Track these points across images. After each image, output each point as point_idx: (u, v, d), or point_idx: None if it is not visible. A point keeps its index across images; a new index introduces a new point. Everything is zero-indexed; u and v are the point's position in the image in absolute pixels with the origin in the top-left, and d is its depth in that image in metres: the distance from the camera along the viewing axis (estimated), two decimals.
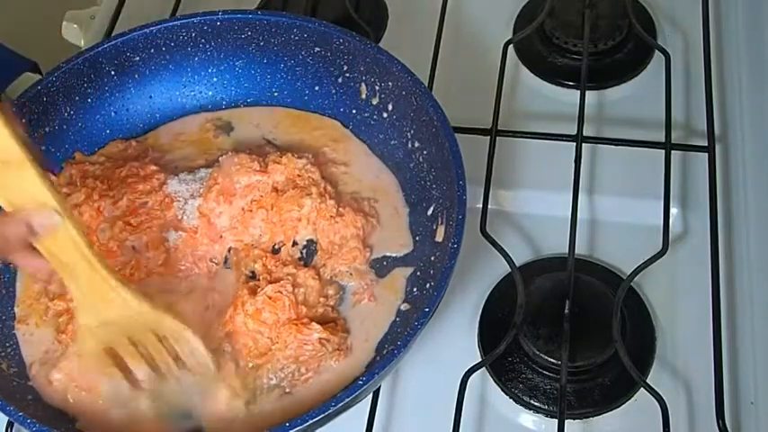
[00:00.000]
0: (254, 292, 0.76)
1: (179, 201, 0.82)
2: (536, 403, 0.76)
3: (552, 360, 0.76)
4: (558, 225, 0.82)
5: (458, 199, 0.73)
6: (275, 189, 0.81)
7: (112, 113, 0.89)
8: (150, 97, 0.90)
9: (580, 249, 0.82)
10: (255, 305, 0.75)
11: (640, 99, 0.93)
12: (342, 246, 0.80)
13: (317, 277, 0.78)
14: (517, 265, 0.79)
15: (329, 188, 0.82)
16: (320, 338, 0.74)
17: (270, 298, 0.75)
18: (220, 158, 0.83)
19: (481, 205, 0.83)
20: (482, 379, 0.78)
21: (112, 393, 0.73)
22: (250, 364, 0.74)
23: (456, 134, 0.77)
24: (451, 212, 0.74)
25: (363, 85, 0.86)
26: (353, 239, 0.79)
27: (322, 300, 0.77)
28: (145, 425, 0.73)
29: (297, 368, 0.74)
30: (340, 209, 0.80)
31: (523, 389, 0.77)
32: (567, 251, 0.79)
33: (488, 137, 0.87)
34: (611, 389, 0.76)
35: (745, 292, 0.80)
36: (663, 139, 0.85)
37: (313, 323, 0.74)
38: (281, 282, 0.76)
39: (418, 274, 0.78)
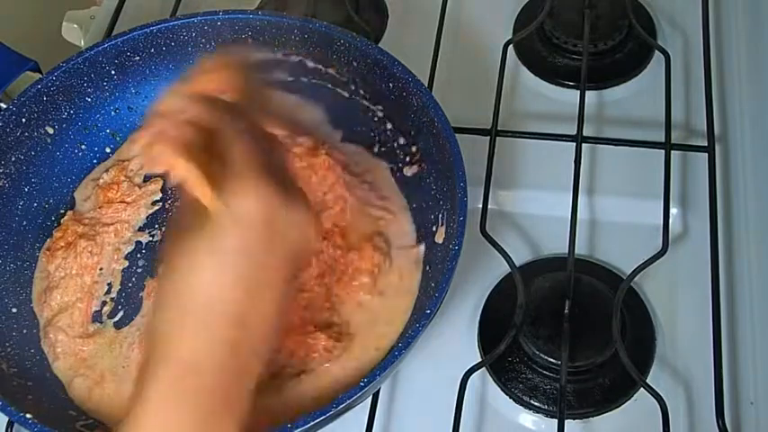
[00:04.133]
0: None
1: None
2: (536, 403, 0.76)
3: (552, 360, 0.76)
4: (558, 225, 0.82)
5: (459, 200, 0.73)
6: None
7: (112, 113, 0.89)
8: (151, 97, 0.90)
9: (580, 249, 0.82)
10: None
11: (640, 99, 0.93)
12: (353, 278, 0.78)
13: (323, 284, 0.77)
14: (517, 265, 0.80)
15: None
16: (325, 346, 0.73)
17: None
18: None
19: (481, 205, 0.83)
20: (482, 379, 0.78)
21: None
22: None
23: (456, 134, 0.76)
24: (452, 214, 0.74)
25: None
26: (366, 275, 0.78)
27: (327, 305, 0.76)
28: None
29: (306, 377, 0.73)
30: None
31: (523, 389, 0.77)
32: (566, 251, 0.79)
33: (488, 137, 0.87)
34: (611, 389, 0.76)
35: (745, 292, 0.80)
36: (663, 139, 0.85)
37: (318, 332, 0.74)
38: None
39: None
